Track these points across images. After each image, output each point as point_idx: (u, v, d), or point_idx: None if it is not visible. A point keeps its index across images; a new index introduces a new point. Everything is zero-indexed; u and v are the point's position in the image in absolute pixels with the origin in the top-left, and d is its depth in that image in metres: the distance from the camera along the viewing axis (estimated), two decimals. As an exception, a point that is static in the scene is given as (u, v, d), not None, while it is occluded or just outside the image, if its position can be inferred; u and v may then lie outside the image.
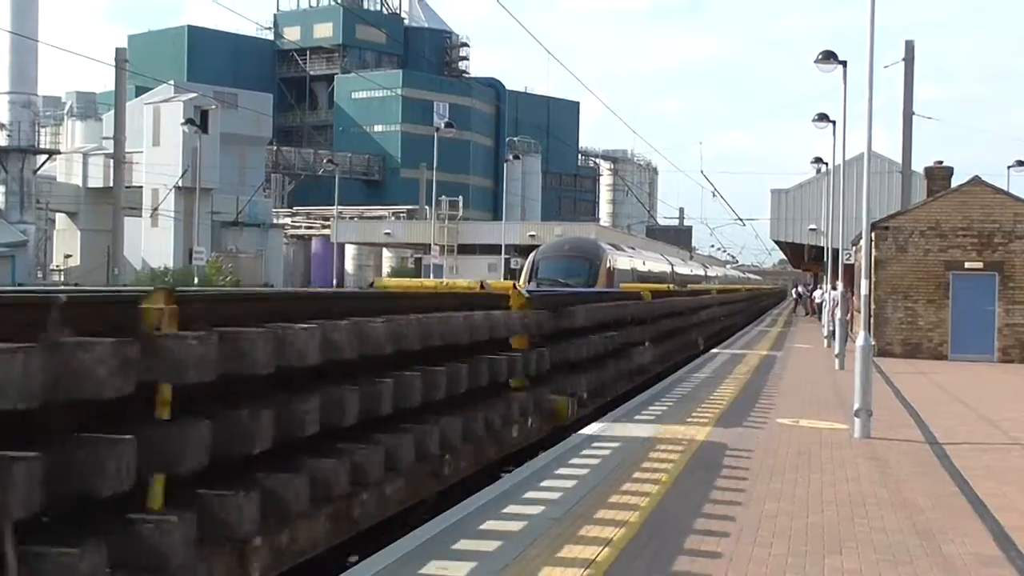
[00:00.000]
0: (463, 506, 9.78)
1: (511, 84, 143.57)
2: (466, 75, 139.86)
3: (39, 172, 72.66)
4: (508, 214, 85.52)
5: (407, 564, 7.72)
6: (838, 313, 31.00)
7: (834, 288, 37.57)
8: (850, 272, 41.36)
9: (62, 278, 75.79)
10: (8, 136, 69.02)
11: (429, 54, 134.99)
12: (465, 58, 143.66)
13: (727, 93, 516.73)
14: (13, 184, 69.26)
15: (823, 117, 37.28)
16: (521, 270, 52.40)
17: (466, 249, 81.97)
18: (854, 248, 41.30)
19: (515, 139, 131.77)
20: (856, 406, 15.44)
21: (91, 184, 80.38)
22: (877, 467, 12.90)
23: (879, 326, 32.24)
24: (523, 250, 69.29)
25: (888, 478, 12.16)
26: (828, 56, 28.07)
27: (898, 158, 48.35)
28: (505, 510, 9.58)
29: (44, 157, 72.77)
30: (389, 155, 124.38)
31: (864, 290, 18.03)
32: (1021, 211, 33.02)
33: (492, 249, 76.72)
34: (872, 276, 20.40)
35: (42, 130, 74.37)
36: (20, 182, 69.32)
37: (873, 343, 17.63)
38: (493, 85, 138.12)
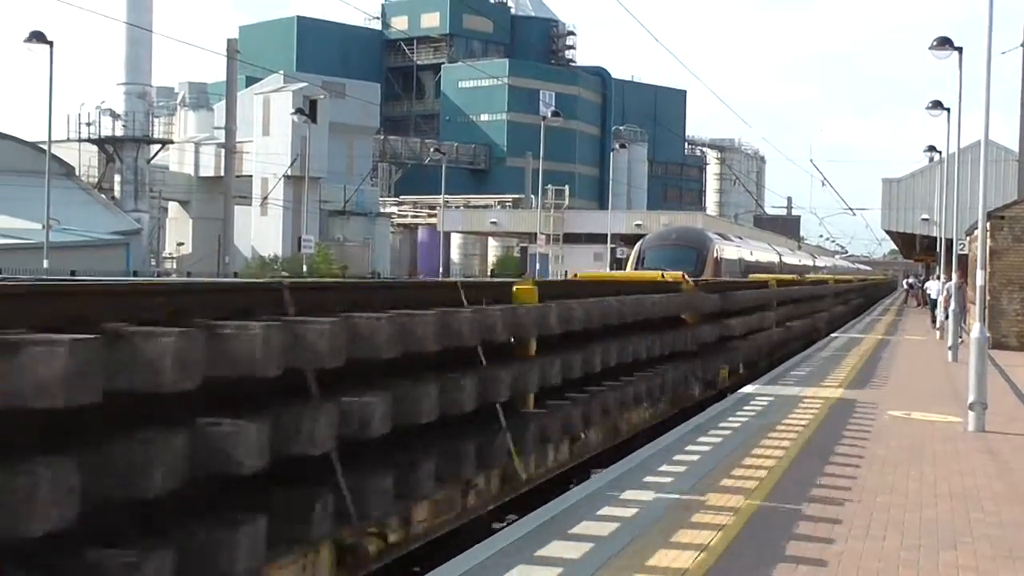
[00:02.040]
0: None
1: (617, 72, 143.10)
2: (572, 63, 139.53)
3: (153, 161, 74.02)
4: (614, 203, 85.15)
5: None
6: (952, 305, 30.36)
7: (948, 279, 36.83)
8: (964, 263, 40.51)
9: (174, 266, 77.15)
10: (123, 126, 70.40)
11: (535, 42, 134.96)
12: (571, 47, 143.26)
13: (838, 81, 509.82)
14: (128, 173, 70.64)
15: (937, 104, 36.51)
16: (627, 259, 52.16)
17: (571, 238, 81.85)
18: (968, 238, 40.44)
19: (621, 128, 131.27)
20: (971, 399, 15.11)
21: (203, 173, 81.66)
22: (992, 461, 12.61)
23: (994, 318, 31.48)
24: (629, 239, 68.97)
25: (1004, 472, 11.89)
26: (943, 42, 27.47)
27: (1014, 146, 47.25)
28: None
29: (157, 147, 74.10)
30: (495, 144, 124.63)
31: (979, 281, 17.64)
32: None
33: (598, 238, 76.52)
34: (987, 267, 19.93)
35: (156, 120, 75.68)
36: (134, 171, 70.68)
37: (988, 335, 17.24)
38: (599, 73, 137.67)
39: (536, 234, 75.00)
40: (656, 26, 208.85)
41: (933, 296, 45.81)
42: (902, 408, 17.13)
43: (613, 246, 73.02)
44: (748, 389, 18.90)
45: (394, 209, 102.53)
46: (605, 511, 9.14)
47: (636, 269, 42.62)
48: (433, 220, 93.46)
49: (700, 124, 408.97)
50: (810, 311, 35.07)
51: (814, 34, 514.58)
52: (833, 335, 35.63)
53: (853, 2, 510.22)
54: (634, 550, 7.87)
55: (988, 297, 29.37)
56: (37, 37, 48.25)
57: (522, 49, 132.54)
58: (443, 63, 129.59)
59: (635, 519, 8.88)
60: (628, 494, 9.83)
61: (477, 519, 9.62)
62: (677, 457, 11.98)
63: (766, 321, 25.03)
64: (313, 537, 6.61)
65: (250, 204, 77.13)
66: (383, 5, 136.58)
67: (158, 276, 58.56)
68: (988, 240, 30.76)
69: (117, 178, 71.63)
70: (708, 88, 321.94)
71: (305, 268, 59.59)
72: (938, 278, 46.28)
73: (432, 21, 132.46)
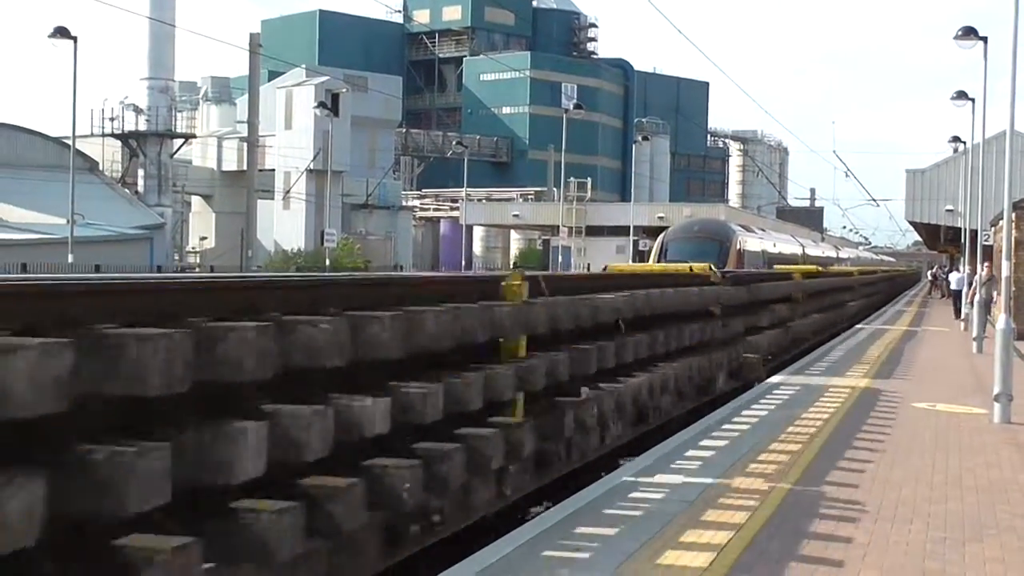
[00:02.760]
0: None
1: (639, 64, 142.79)
2: (594, 56, 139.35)
3: (176, 156, 74.18)
4: (636, 195, 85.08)
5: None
6: (977, 295, 30.13)
7: (972, 270, 36.54)
8: (989, 254, 40.27)
9: (198, 260, 77.37)
10: (146, 121, 70.61)
11: (557, 35, 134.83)
12: (593, 39, 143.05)
13: (861, 71, 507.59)
14: (151, 168, 70.83)
15: (962, 95, 36.30)
16: (650, 252, 52.08)
17: (594, 231, 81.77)
18: (993, 229, 40.21)
19: (643, 120, 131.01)
20: (996, 390, 15.01)
21: (225, 167, 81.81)
22: (1019, 453, 12.54)
23: (1019, 309, 31.25)
24: (651, 232, 68.88)
25: (1030, 464, 11.81)
26: (968, 32, 27.31)
27: (1040, 136, 46.95)
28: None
29: (180, 141, 74.26)
30: (517, 137, 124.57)
31: (1005, 272, 17.53)
32: None
33: (620, 231, 76.41)
34: (1013, 257, 19.79)
35: (178, 115, 75.85)
36: (158, 166, 70.87)
37: (1014, 326, 17.12)
38: (621, 66, 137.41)
39: (559, 227, 74.94)
40: (678, 17, 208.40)
41: (955, 287, 45.57)
42: (927, 400, 17.05)
43: (636, 238, 72.92)
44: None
45: (416, 202, 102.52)
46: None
47: (658, 262, 42.52)
48: (455, 213, 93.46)
49: (722, 116, 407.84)
50: (721, 340, 18.38)
51: (834, 24, 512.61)
52: (857, 327, 29.33)
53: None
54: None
55: (1013, 288, 29.14)
56: (61, 33, 48.41)
57: (544, 42, 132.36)
58: (465, 56, 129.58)
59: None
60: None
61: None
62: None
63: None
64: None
65: (273, 198, 77.25)
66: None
67: (182, 271, 58.80)
68: (1013, 231, 30.56)
69: (140, 173, 71.85)
70: (731, 79, 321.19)
71: (328, 262, 59.67)
72: (958, 269, 45.99)
73: (454, 14, 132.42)
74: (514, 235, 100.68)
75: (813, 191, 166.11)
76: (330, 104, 69.72)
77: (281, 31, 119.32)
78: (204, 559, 5.22)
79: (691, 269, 19.83)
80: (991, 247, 40.30)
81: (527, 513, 10.67)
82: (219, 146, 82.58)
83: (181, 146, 75.00)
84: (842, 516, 8.88)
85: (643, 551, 7.65)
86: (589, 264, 70.43)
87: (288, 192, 76.71)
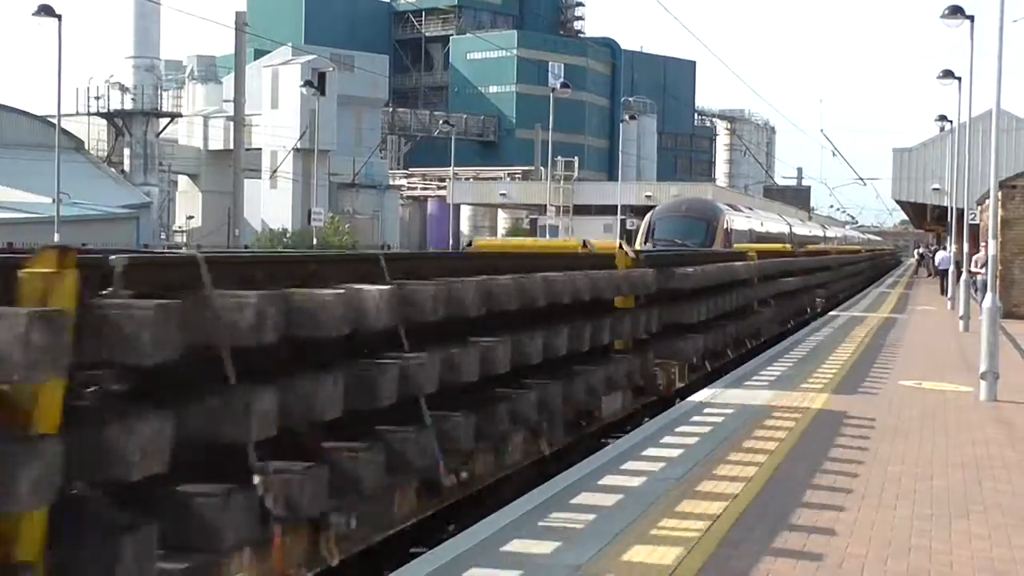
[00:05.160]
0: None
1: (626, 43, 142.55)
2: (581, 35, 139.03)
3: (162, 135, 73.97)
4: (624, 175, 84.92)
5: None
6: (964, 274, 30.18)
7: (960, 250, 36.57)
8: (975, 232, 40.37)
9: (184, 239, 77.21)
10: (132, 100, 70.37)
11: (544, 13, 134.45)
12: (580, 17, 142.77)
13: (849, 51, 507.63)
14: (137, 147, 70.65)
15: (948, 74, 36.30)
16: (637, 231, 52.05)
17: (581, 210, 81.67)
18: (979, 208, 40.29)
19: (631, 99, 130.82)
20: (982, 368, 15.08)
21: (212, 146, 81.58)
22: (1004, 430, 12.61)
23: (1006, 288, 31.27)
24: (639, 211, 68.80)
25: (1016, 441, 11.88)
26: (955, 11, 27.31)
27: (1026, 115, 47.06)
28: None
29: (166, 120, 74.01)
30: (504, 116, 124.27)
31: (991, 251, 17.58)
32: None
33: (607, 210, 76.33)
34: (999, 236, 19.86)
35: (164, 94, 75.58)
36: (144, 145, 70.68)
37: (999, 305, 17.18)
38: (608, 45, 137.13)
39: (546, 206, 74.87)
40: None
41: (942, 266, 45.65)
42: (913, 378, 17.11)
43: (623, 218, 72.87)
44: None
45: (403, 182, 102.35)
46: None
47: (646, 240, 42.49)
48: (443, 192, 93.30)
49: (710, 95, 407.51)
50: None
51: (822, 2, 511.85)
52: (843, 308, 29.99)
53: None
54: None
55: (1000, 267, 29.22)
56: (45, 11, 48.12)
57: (531, 20, 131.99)
58: (451, 35, 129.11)
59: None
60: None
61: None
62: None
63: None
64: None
65: (260, 177, 77.07)
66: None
67: (169, 249, 58.59)
68: (999, 210, 30.63)
69: (126, 152, 71.65)
70: (718, 58, 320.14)
71: (315, 241, 59.58)
72: (945, 248, 46.04)
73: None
74: (501, 214, 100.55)
75: (800, 170, 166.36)
76: (316, 83, 69.48)
77: (267, 9, 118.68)
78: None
79: (584, 245, 15.21)
80: (977, 226, 40.42)
81: None
82: (205, 125, 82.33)
83: (167, 125, 74.77)
84: (833, 487, 8.91)
85: None
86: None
87: (275, 171, 76.55)
